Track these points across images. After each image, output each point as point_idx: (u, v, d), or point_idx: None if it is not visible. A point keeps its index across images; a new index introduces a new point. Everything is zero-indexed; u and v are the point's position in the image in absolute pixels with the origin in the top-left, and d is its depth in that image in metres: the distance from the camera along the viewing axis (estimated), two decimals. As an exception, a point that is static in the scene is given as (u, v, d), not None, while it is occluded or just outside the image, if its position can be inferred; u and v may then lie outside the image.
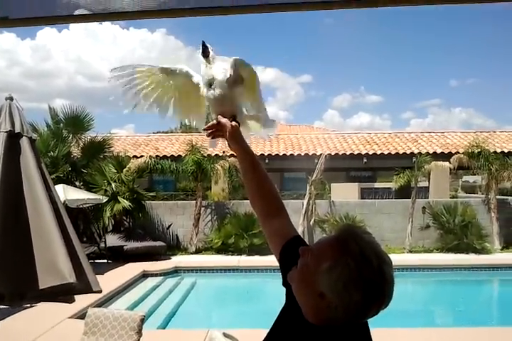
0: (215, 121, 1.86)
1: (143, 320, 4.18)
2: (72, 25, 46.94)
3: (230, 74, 1.86)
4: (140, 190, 14.58)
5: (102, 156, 15.10)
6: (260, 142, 19.33)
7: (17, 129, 3.65)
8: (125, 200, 13.73)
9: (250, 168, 1.80)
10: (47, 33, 45.87)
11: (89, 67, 53.29)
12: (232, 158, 15.27)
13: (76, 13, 1.60)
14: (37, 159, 3.65)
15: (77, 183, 14.58)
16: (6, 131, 3.58)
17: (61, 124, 14.93)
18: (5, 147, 3.52)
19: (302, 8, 1.40)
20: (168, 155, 17.98)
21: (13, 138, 3.60)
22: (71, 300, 3.56)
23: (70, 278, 3.06)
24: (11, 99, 3.81)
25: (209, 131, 1.89)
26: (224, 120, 1.82)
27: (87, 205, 13.10)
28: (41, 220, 3.39)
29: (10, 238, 3.32)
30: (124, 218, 14.89)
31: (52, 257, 3.20)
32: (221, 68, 1.88)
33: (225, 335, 3.95)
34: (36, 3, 1.61)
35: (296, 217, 14.49)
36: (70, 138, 15.01)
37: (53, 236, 3.33)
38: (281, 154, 18.51)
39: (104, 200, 13.36)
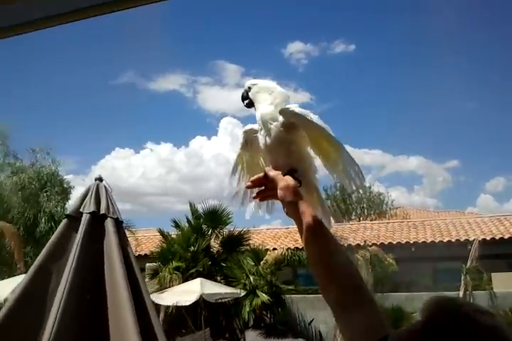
0: (260, 174, 1.37)
1: None
2: (220, 132, 50.05)
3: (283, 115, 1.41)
4: (278, 283, 14.15)
5: (240, 250, 15.16)
6: (404, 229, 18.22)
7: (102, 210, 3.50)
8: (264, 294, 13.40)
9: (312, 239, 1.28)
10: (198, 141, 49.96)
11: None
12: (373, 247, 14.50)
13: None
14: (121, 241, 3.41)
15: (218, 277, 14.62)
16: (89, 213, 3.43)
17: (201, 219, 15.36)
18: (87, 229, 3.36)
19: None
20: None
21: (96, 220, 3.44)
22: None
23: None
24: (100, 179, 3.70)
25: (256, 193, 1.43)
26: (274, 173, 1.33)
27: (225, 300, 12.98)
28: (118, 308, 3.08)
29: (84, 324, 3.04)
30: (264, 313, 14.44)
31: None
32: (267, 106, 1.46)
33: None
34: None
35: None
36: (210, 232, 15.34)
37: (128, 327, 2.98)
38: (428, 241, 17.15)
39: (243, 294, 13.16)
